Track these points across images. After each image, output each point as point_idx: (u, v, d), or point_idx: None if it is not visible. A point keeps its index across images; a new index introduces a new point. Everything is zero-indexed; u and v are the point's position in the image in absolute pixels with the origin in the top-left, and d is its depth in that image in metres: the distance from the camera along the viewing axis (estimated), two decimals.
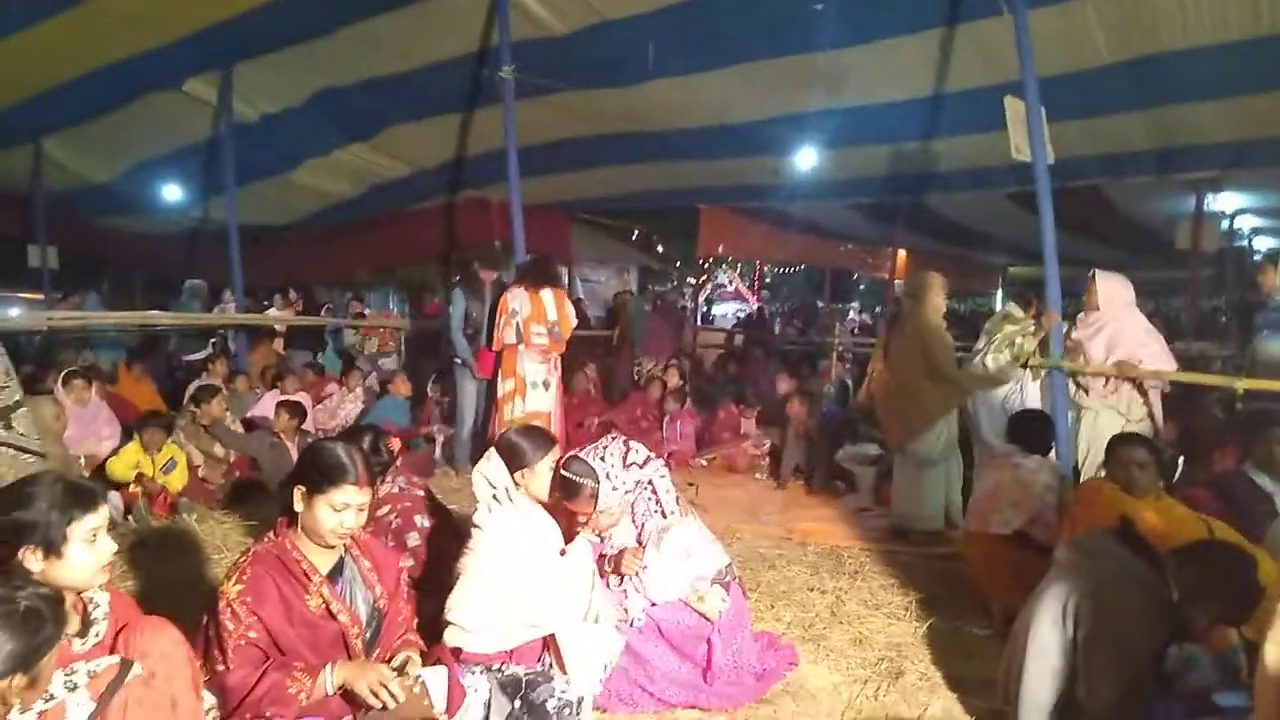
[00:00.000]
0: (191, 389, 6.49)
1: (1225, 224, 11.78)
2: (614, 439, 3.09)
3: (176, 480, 5.47)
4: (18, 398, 3.08)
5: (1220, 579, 2.55)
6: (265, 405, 6.98)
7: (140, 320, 9.67)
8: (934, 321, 5.19)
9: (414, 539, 3.27)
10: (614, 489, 2.95)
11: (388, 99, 7.85)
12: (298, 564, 2.38)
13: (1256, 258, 13.94)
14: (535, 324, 6.07)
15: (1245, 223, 12.53)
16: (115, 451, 5.53)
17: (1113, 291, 5.05)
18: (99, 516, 2.02)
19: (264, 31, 6.65)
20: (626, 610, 3.01)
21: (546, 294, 6.18)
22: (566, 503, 2.94)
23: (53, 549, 1.94)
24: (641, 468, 3.05)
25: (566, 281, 10.52)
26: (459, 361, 6.88)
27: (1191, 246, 10.09)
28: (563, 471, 2.93)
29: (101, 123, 8.31)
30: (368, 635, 2.46)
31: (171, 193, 10.31)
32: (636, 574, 3.02)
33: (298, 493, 2.40)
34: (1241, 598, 2.51)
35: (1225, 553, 2.68)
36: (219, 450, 5.94)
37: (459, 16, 6.46)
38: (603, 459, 2.96)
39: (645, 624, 3.00)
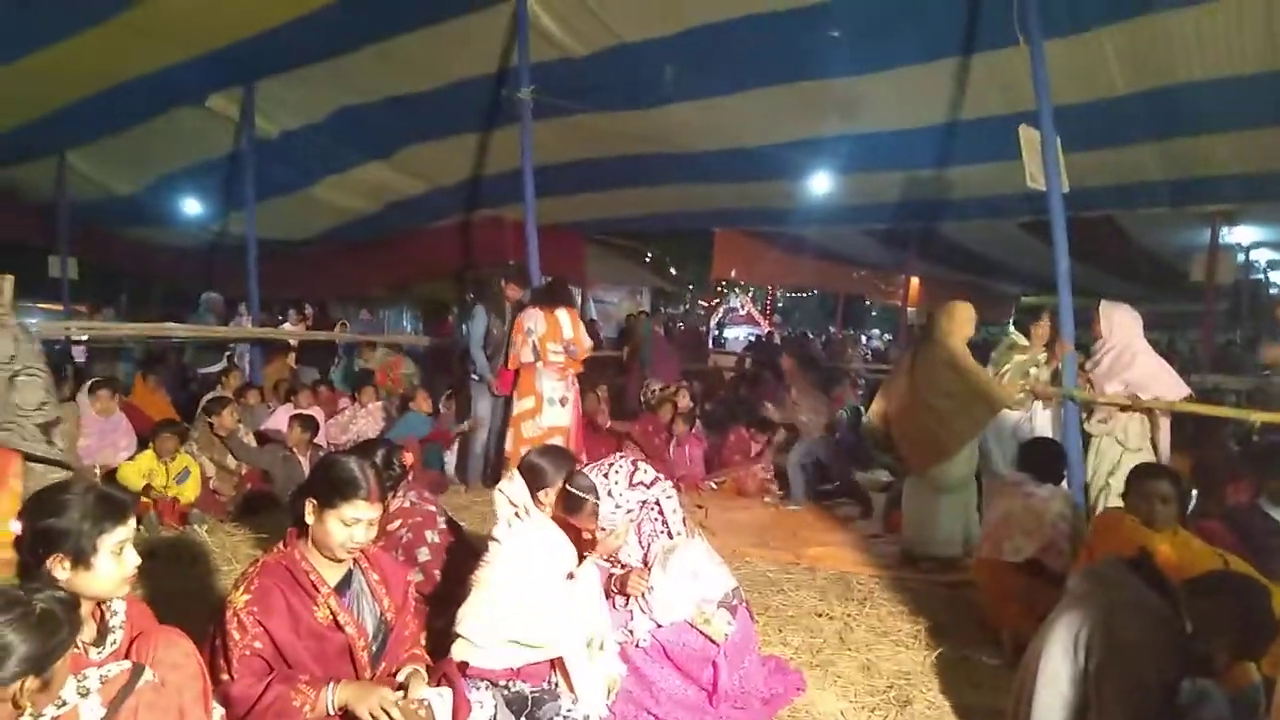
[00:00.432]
0: (204, 401, 6.53)
1: (1241, 257, 11.73)
2: (622, 458, 3.10)
3: (189, 491, 5.50)
4: (59, 414, 3.12)
5: (1234, 611, 2.51)
6: (278, 419, 7.01)
7: (156, 332, 9.75)
8: (963, 346, 5.06)
9: (424, 554, 3.27)
10: (617, 507, 2.94)
11: (407, 117, 7.96)
12: (306, 575, 2.38)
13: (1273, 291, 13.88)
14: (551, 342, 6.18)
15: (1261, 256, 12.47)
16: (130, 459, 5.58)
17: (1116, 319, 5.04)
18: (128, 529, 2.03)
19: (286, 49, 6.76)
20: (632, 631, 3.00)
21: (562, 313, 6.30)
22: (568, 517, 2.96)
23: (82, 559, 1.95)
24: (648, 488, 3.05)
25: (579, 303, 10.52)
26: (476, 378, 6.91)
27: (1206, 279, 10.04)
28: (566, 486, 2.95)
29: (125, 136, 8.45)
30: (374, 648, 2.46)
31: (192, 206, 10.47)
32: (643, 595, 3.01)
33: (309, 505, 2.40)
34: (1256, 630, 2.48)
35: (1239, 585, 2.65)
36: (231, 462, 5.97)
37: (479, 37, 6.56)
38: (607, 476, 2.97)
39: (651, 645, 2.98)
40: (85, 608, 1.98)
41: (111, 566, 1.99)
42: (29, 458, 3.02)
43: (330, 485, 2.40)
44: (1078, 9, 5.35)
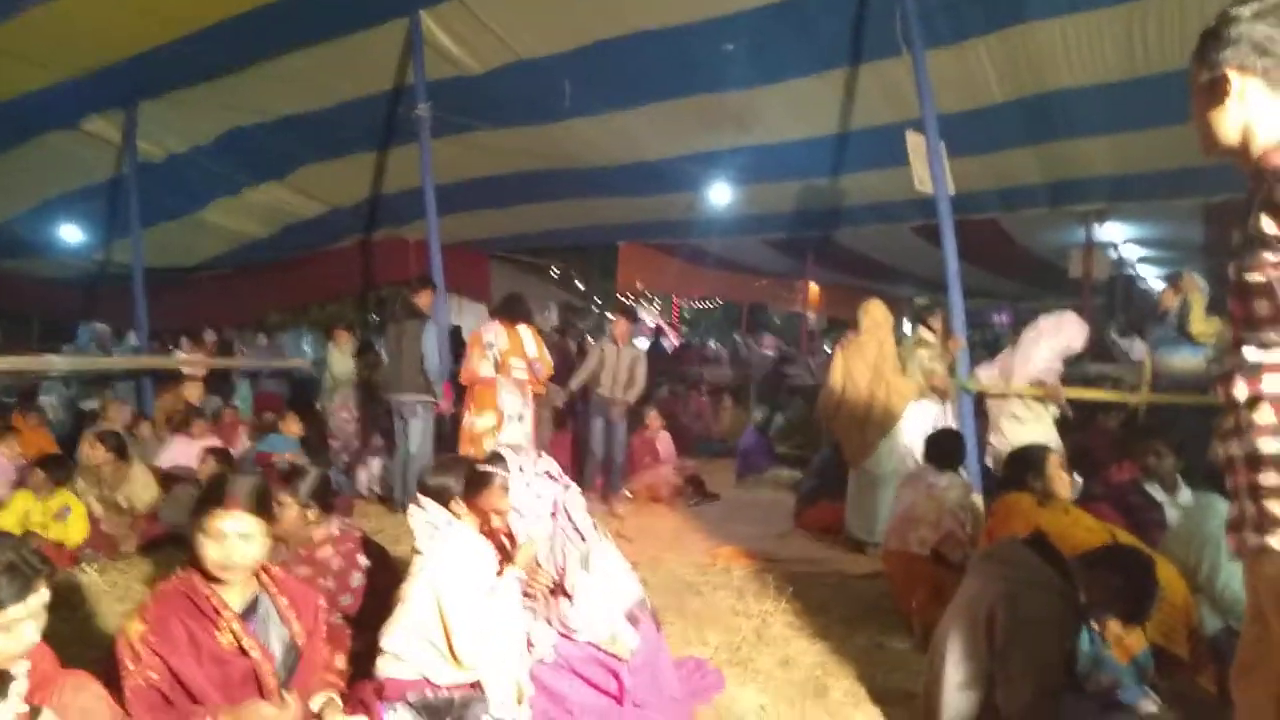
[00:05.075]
0: (88, 436, 6.18)
1: (1114, 253, 12.42)
2: (529, 449, 3.16)
3: (76, 532, 5.18)
4: None
5: (1123, 581, 2.67)
6: (175, 451, 6.71)
7: (33, 366, 9.19)
8: (890, 342, 5.54)
9: (357, 579, 3.22)
10: (528, 485, 3.00)
11: (301, 137, 7.76)
12: (207, 599, 2.28)
13: (1144, 284, 14.75)
14: (514, 357, 6.09)
15: (1131, 252, 13.23)
16: (2, 504, 5.22)
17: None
18: (24, 608, 1.83)
19: (169, 69, 6.50)
20: (534, 645, 2.96)
21: (524, 330, 6.22)
22: (478, 499, 2.97)
23: None
24: (555, 480, 3.12)
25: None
26: (424, 399, 6.44)
27: (1084, 275, 10.62)
28: (474, 467, 2.99)
29: None
30: (283, 674, 2.38)
31: (72, 234, 9.92)
32: (554, 599, 2.99)
33: (193, 528, 2.31)
34: (1141, 596, 2.64)
35: (1127, 556, 2.82)
36: (121, 499, 5.67)
37: (374, 54, 6.46)
38: (514, 456, 3.05)
39: (555, 660, 2.96)
40: None
41: None
42: None
43: (199, 500, 2.32)
44: (956, 20, 5.61)
